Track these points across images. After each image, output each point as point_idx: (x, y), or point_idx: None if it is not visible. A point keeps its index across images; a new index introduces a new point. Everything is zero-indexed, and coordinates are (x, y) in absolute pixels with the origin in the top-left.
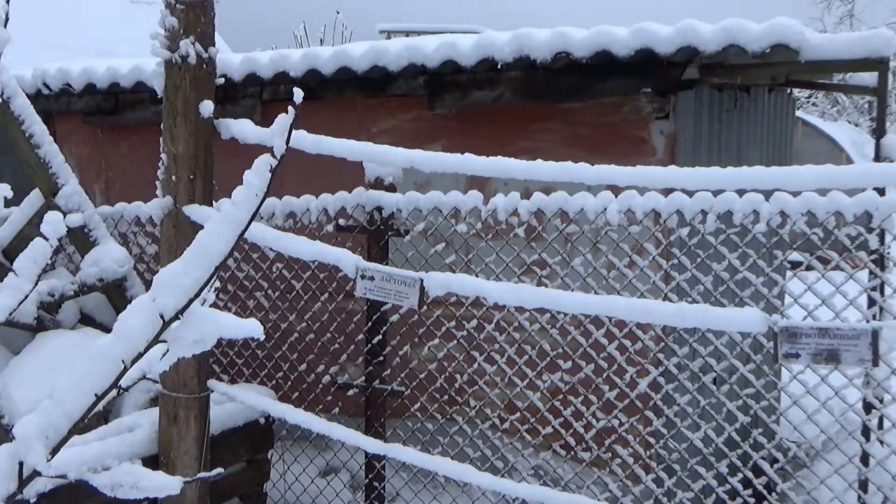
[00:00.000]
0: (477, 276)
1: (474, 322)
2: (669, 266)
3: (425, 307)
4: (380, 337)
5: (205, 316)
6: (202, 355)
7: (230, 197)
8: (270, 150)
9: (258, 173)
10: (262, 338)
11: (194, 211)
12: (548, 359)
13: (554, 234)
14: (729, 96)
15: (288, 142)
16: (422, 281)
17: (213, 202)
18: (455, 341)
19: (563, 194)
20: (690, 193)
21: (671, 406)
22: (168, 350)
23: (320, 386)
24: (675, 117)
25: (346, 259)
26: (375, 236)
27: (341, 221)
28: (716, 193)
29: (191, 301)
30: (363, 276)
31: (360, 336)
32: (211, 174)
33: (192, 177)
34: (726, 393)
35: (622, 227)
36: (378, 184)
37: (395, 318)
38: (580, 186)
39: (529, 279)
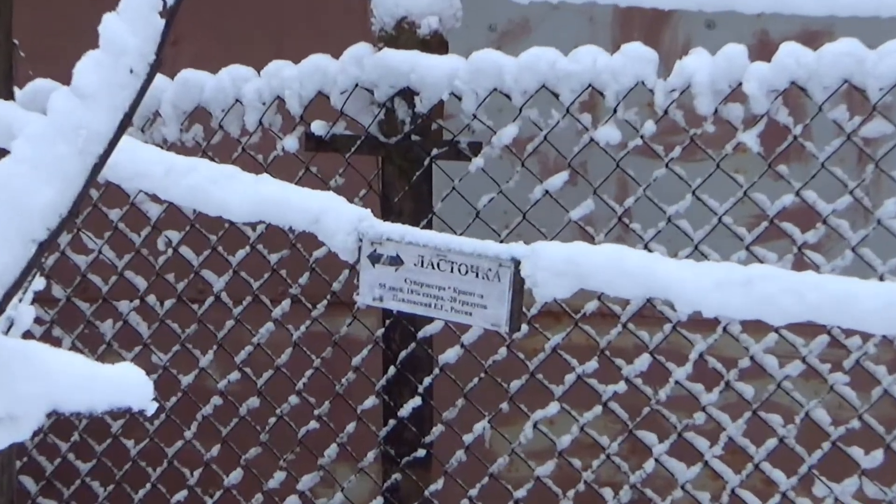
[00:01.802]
0: (647, 248)
1: (643, 361)
2: None
3: (526, 327)
4: (418, 402)
5: (19, 360)
6: (6, 454)
7: (62, 80)
8: None
9: (132, 17)
10: (152, 409)
11: None
12: (828, 444)
13: (834, 141)
14: None
15: None
16: (516, 264)
17: (17, 90)
18: (600, 409)
19: (853, 44)
20: None
21: None
22: None
23: None
24: None
25: (335, 217)
26: (400, 161)
27: (317, 128)
28: None
29: None
30: (374, 258)
31: (371, 400)
32: (9, 24)
33: None
34: None
35: None
36: (404, 34)
37: (451, 355)
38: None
39: (778, 255)
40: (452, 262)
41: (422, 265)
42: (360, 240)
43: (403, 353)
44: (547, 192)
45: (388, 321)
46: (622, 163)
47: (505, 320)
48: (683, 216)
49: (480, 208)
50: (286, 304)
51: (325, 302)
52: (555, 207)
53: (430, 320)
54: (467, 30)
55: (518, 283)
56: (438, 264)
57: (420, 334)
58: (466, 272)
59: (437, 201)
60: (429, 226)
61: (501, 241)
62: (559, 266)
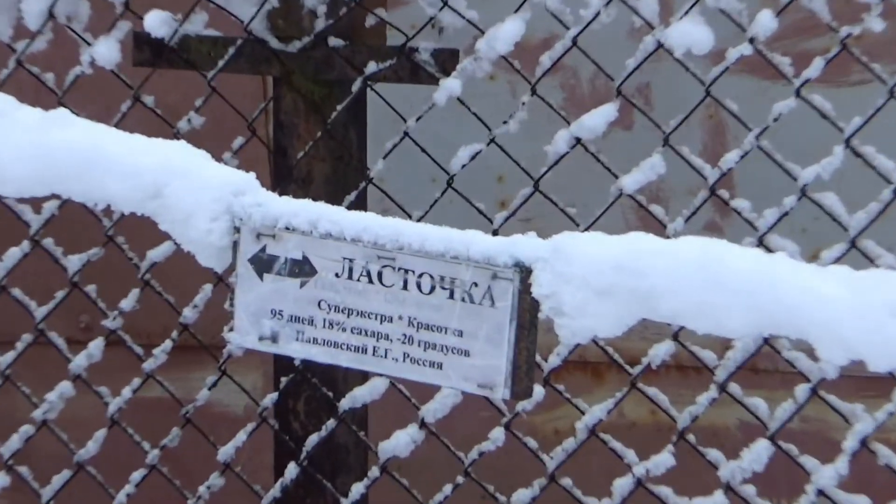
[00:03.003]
0: (764, 245)
1: (758, 453)
2: None
3: (540, 390)
4: None
5: None
6: None
7: None
8: None
9: None
10: None
11: None
12: None
13: None
14: None
15: None
16: (523, 275)
17: None
18: None
19: None
20: None
21: None
22: None
23: None
24: None
25: (189, 187)
26: (308, 85)
27: (154, 24)
28: None
29: None
30: (263, 262)
31: None
32: None
33: None
34: None
35: None
36: None
37: (402, 442)
38: None
39: None
40: (406, 271)
41: (349, 276)
42: (237, 228)
43: (313, 439)
44: (579, 141)
45: (284, 380)
46: (715, 88)
47: (504, 377)
48: (829, 187)
49: (456, 171)
50: (96, 346)
51: (167, 344)
52: (594, 170)
53: (363, 378)
54: None
55: (527, 310)
56: (380, 275)
57: (344, 404)
58: (432, 289)
59: (374, 159)
60: (361, 204)
61: (495, 233)
62: (604, 277)
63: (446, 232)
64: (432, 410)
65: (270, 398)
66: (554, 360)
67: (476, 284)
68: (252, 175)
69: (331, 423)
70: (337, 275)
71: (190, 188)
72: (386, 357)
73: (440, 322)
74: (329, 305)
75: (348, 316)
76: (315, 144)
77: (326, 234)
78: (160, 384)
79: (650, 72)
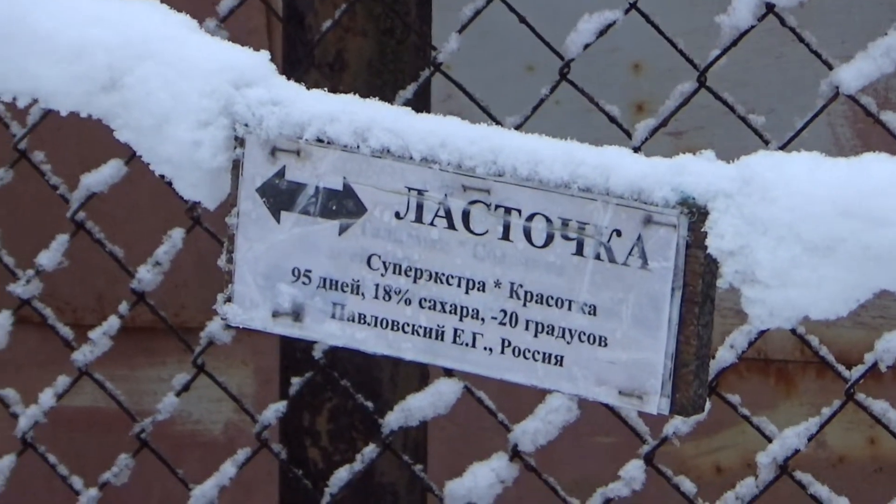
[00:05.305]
0: None
1: None
2: None
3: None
4: None
5: None
6: None
7: None
8: None
9: None
10: None
11: None
12: None
13: None
14: None
15: None
16: (695, 217)
17: None
18: None
19: None
20: None
21: None
22: None
23: None
24: None
25: (164, 74)
26: None
27: None
28: None
29: None
30: (281, 195)
31: None
32: None
33: None
34: None
35: None
36: None
37: (481, 482)
38: None
39: None
40: (508, 210)
41: (418, 218)
42: (240, 140)
43: (343, 475)
44: (770, 9)
45: (296, 381)
46: None
47: (661, 380)
48: None
49: (573, 56)
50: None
51: (112, 322)
52: (788, 57)
53: (420, 381)
54: None
55: (699, 275)
56: (467, 215)
57: (392, 421)
58: (549, 239)
59: (443, 35)
60: (422, 103)
61: (638, 149)
62: (823, 225)
63: (571, 149)
64: (531, 433)
65: (274, 411)
66: (725, 356)
67: (619, 233)
68: (264, 55)
69: (370, 450)
70: (398, 215)
71: (165, 76)
72: (474, 346)
73: (561, 292)
74: (385, 264)
75: (415, 280)
76: (350, 9)
77: (382, 151)
78: (101, 386)
79: None
